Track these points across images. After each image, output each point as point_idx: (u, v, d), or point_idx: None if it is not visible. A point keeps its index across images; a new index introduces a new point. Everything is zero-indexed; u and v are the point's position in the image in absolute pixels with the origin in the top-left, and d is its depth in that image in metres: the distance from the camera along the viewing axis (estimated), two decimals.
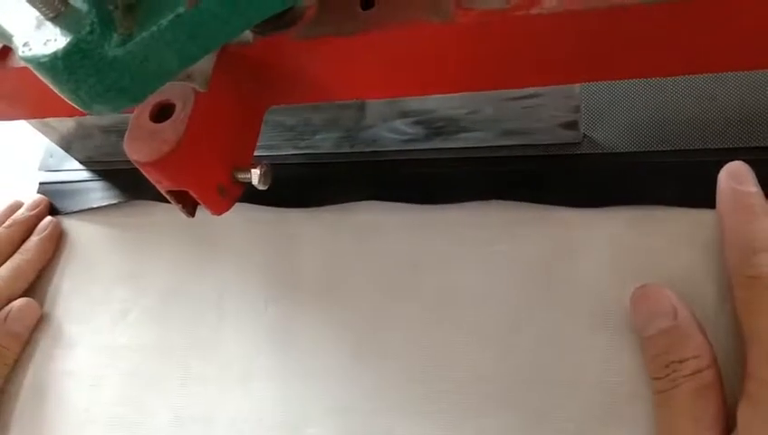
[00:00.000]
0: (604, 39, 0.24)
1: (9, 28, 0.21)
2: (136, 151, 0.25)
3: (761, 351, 0.25)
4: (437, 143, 0.36)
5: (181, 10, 0.20)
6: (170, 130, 0.25)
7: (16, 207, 0.44)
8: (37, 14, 0.20)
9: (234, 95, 0.27)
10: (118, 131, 0.40)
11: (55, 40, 0.19)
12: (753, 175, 0.29)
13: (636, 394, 0.29)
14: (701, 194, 0.30)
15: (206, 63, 0.25)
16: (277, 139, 0.38)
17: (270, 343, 0.35)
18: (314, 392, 0.34)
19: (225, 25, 0.21)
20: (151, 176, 0.25)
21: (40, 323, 0.40)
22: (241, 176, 0.27)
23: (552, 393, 0.30)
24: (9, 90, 0.31)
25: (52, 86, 0.20)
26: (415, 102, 0.34)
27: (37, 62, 0.20)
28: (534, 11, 0.23)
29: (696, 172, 0.32)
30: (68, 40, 0.19)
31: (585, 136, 0.34)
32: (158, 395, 0.36)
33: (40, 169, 0.46)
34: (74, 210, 0.43)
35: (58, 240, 0.43)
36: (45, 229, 0.42)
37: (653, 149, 0.33)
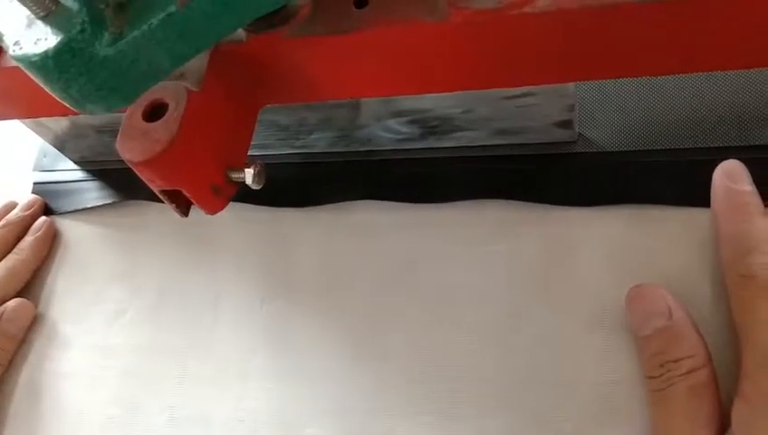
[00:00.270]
0: (598, 38, 0.24)
1: (0, 27, 0.21)
2: (129, 151, 0.25)
3: (755, 350, 0.25)
4: (432, 142, 0.36)
5: (172, 9, 0.20)
6: (163, 129, 0.24)
7: (10, 207, 0.43)
8: (28, 13, 0.20)
9: (227, 94, 0.27)
10: (111, 131, 0.40)
11: (46, 39, 0.19)
12: (748, 174, 0.29)
13: (632, 393, 0.29)
14: (696, 193, 0.30)
15: (198, 62, 0.25)
16: (271, 138, 0.38)
17: (266, 343, 0.35)
18: (312, 393, 0.33)
19: (217, 24, 0.21)
20: (144, 175, 0.25)
21: (34, 323, 0.40)
22: (235, 175, 0.27)
23: (550, 393, 0.30)
24: (1, 89, 0.31)
25: (43, 85, 0.20)
26: (409, 101, 0.33)
27: (28, 61, 0.20)
28: (528, 10, 0.23)
29: (691, 171, 0.31)
30: (59, 39, 0.19)
31: (580, 135, 0.34)
32: (154, 395, 0.36)
33: (34, 170, 0.46)
34: (68, 210, 0.43)
35: (52, 240, 0.43)
36: (40, 229, 0.42)
37: (648, 147, 0.33)
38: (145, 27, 0.20)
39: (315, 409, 0.33)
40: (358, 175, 0.37)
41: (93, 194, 0.43)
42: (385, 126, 0.36)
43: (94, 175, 0.44)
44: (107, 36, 0.20)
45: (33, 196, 0.44)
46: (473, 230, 0.34)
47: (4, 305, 0.39)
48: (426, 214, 0.35)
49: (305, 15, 0.26)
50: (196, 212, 0.28)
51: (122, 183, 0.42)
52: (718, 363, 0.27)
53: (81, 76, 0.19)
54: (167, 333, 0.37)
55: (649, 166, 0.33)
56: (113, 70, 0.20)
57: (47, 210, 0.44)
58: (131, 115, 0.25)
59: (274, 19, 0.25)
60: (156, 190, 0.26)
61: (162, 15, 0.20)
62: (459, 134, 0.35)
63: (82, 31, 0.19)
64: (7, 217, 0.43)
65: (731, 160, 0.29)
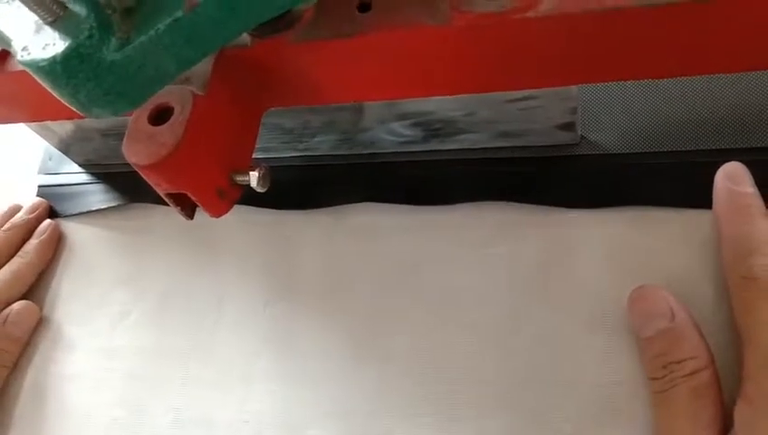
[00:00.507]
0: (600, 41, 0.24)
1: (8, 32, 0.21)
2: (134, 154, 0.25)
3: (757, 352, 0.25)
4: (435, 145, 0.36)
5: (179, 14, 0.20)
6: (169, 133, 0.25)
7: (15, 210, 0.44)
8: (36, 18, 0.20)
9: (232, 98, 0.27)
10: (116, 134, 0.40)
11: (54, 44, 0.20)
12: (750, 176, 0.29)
13: (634, 395, 0.29)
14: (698, 195, 0.31)
15: (204, 66, 0.25)
16: (275, 141, 0.38)
17: (269, 346, 0.35)
18: (315, 395, 0.34)
19: (223, 29, 0.21)
20: (150, 179, 0.26)
21: (39, 325, 0.40)
22: (239, 178, 0.27)
23: (550, 394, 0.30)
24: (8, 93, 0.32)
25: (50, 90, 0.21)
26: (412, 104, 0.34)
27: (36, 66, 0.20)
28: (530, 14, 0.23)
29: (693, 173, 0.32)
30: (67, 44, 0.19)
31: (582, 137, 0.34)
32: (158, 397, 0.36)
33: (39, 172, 0.46)
34: (73, 213, 0.43)
35: (57, 243, 0.43)
36: (44, 232, 0.42)
37: (650, 150, 0.33)
38: (152, 32, 0.20)
39: (318, 410, 0.33)
40: (361, 177, 0.38)
41: (98, 197, 0.43)
42: (388, 129, 0.36)
43: (99, 178, 0.44)
44: (114, 41, 0.20)
45: (38, 199, 0.44)
46: (474, 232, 0.35)
47: (9, 308, 0.39)
48: (428, 216, 0.36)
49: (309, 20, 0.26)
50: (200, 215, 0.28)
51: (127, 186, 0.42)
52: (720, 365, 0.27)
53: (88, 81, 0.20)
54: (171, 335, 0.38)
55: (651, 168, 0.33)
56: (120, 75, 0.20)
57: (52, 213, 0.44)
58: (137, 119, 0.25)
59: (279, 24, 0.26)
60: (161, 193, 0.27)
61: (169, 21, 0.20)
62: (462, 137, 0.35)
63: (90, 36, 0.19)
64: (12, 220, 0.43)
65: (733, 162, 0.30)
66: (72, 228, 0.43)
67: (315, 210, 0.38)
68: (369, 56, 0.26)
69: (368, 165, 0.38)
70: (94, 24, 0.19)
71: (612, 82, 0.32)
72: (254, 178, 0.27)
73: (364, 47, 0.25)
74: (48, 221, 0.43)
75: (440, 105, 0.33)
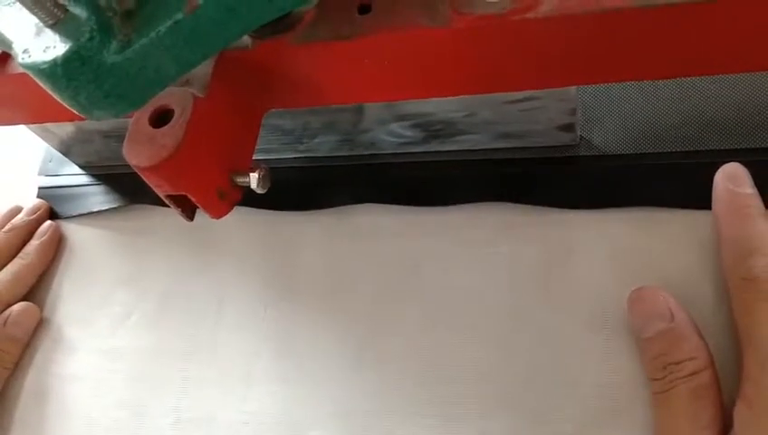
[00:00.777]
0: (600, 42, 0.24)
1: (9, 35, 0.21)
2: (135, 156, 0.25)
3: (756, 353, 0.25)
4: (435, 146, 0.36)
5: (179, 16, 0.20)
6: (169, 134, 0.25)
7: (16, 211, 0.44)
8: (37, 21, 0.20)
9: (232, 99, 0.27)
10: (117, 136, 0.40)
11: (54, 47, 0.20)
12: (750, 176, 0.29)
13: (634, 395, 0.29)
14: (697, 196, 0.31)
15: (204, 69, 0.25)
16: (276, 142, 0.38)
17: (270, 346, 0.36)
18: (315, 395, 0.34)
19: (224, 31, 0.21)
20: (150, 180, 0.26)
21: (40, 327, 0.40)
22: (240, 180, 0.27)
23: (551, 394, 0.30)
24: (9, 95, 0.32)
25: (51, 92, 0.21)
26: (412, 105, 0.34)
27: (37, 68, 0.20)
28: (530, 15, 0.23)
29: (693, 174, 0.32)
30: (67, 47, 0.19)
31: (582, 138, 0.34)
32: (159, 398, 0.36)
33: (39, 174, 0.46)
34: (74, 214, 0.43)
35: (58, 244, 0.43)
36: (45, 234, 0.42)
37: (649, 150, 0.33)
38: (153, 34, 0.20)
39: (318, 411, 0.33)
40: (361, 178, 0.38)
41: (98, 198, 0.43)
42: (388, 130, 0.36)
43: (99, 179, 0.44)
44: (115, 44, 0.20)
45: (39, 200, 0.44)
46: (475, 233, 0.35)
47: (10, 309, 0.39)
48: (428, 217, 0.36)
49: (309, 21, 0.26)
50: (200, 216, 0.28)
51: (127, 187, 0.42)
52: (720, 365, 0.27)
53: (89, 83, 0.20)
54: (171, 336, 0.38)
55: (651, 169, 0.33)
56: (121, 77, 0.20)
57: (52, 214, 0.44)
58: (138, 121, 0.26)
59: (279, 25, 0.26)
60: (162, 195, 0.27)
61: (170, 23, 0.20)
62: (462, 138, 0.35)
63: (91, 39, 0.19)
64: (13, 221, 0.43)
65: (732, 163, 0.30)
66: (72, 230, 0.43)
67: (315, 211, 0.38)
68: (369, 58, 0.26)
69: (368, 166, 0.38)
70: (95, 27, 0.19)
71: (612, 83, 0.32)
72: (254, 179, 0.27)
73: (364, 49, 0.25)
74: (49, 222, 0.43)
75: (440, 106, 0.33)
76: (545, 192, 0.34)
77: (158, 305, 0.39)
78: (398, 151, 0.37)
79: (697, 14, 0.22)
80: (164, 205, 0.28)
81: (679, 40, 0.23)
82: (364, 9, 0.25)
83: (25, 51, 0.20)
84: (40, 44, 0.20)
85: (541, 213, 0.34)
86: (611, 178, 0.33)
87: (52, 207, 0.44)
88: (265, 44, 0.26)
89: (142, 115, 0.25)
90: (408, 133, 0.36)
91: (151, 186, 0.26)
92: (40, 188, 0.45)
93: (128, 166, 0.25)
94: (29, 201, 0.44)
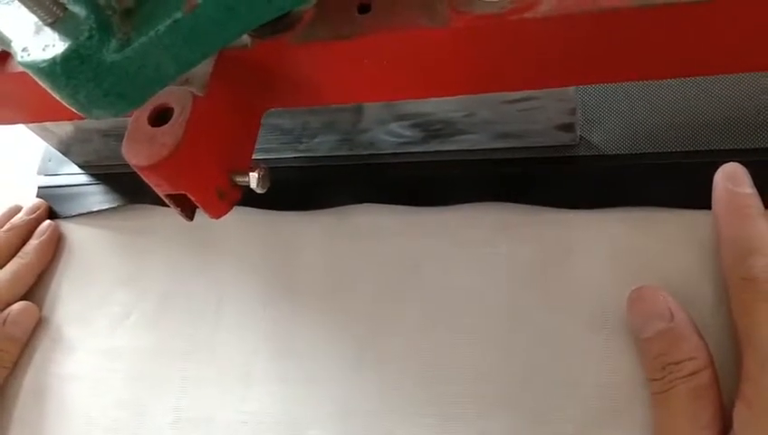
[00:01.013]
0: (599, 42, 0.24)
1: (8, 33, 0.21)
2: (134, 155, 0.25)
3: (756, 353, 0.25)
4: (434, 146, 0.36)
5: (179, 15, 0.20)
6: (169, 134, 0.25)
7: (15, 211, 0.44)
8: (36, 19, 0.20)
9: (231, 99, 0.27)
10: (116, 135, 0.40)
11: (54, 45, 0.20)
12: (749, 176, 0.29)
13: (633, 395, 0.29)
14: (697, 195, 0.31)
15: (203, 68, 0.25)
16: (275, 142, 0.38)
17: (269, 346, 0.36)
18: (314, 395, 0.34)
19: (223, 30, 0.21)
20: (150, 180, 0.26)
21: (39, 326, 0.40)
22: (239, 179, 0.27)
23: (551, 394, 0.30)
24: (8, 94, 0.32)
25: (50, 91, 0.21)
26: (412, 105, 0.34)
27: (36, 67, 0.20)
28: (529, 15, 0.23)
29: (692, 174, 0.32)
30: (66, 45, 0.19)
31: (581, 138, 0.34)
32: (158, 398, 0.36)
33: (38, 173, 0.46)
34: (73, 214, 0.43)
35: (57, 244, 0.43)
36: (44, 233, 0.42)
37: (649, 150, 0.33)
38: (152, 33, 0.20)
39: (317, 411, 0.33)
40: (360, 178, 0.38)
41: (98, 198, 0.43)
42: (387, 130, 0.36)
43: (99, 179, 0.44)
44: (114, 42, 0.20)
45: (38, 199, 0.44)
46: (474, 233, 0.35)
47: (9, 309, 0.39)
48: (427, 217, 0.36)
49: (309, 21, 0.26)
50: (200, 216, 0.28)
51: (127, 187, 0.42)
52: (719, 365, 0.27)
53: (88, 82, 0.20)
54: (171, 336, 0.38)
55: (650, 169, 0.33)
56: (120, 76, 0.20)
57: (52, 214, 0.44)
58: (137, 120, 0.26)
59: (279, 25, 0.26)
60: (161, 194, 0.27)
61: (169, 22, 0.20)
62: (461, 137, 0.35)
63: (90, 37, 0.19)
64: (12, 220, 0.43)
65: (732, 163, 0.30)
66: (71, 229, 0.43)
67: (315, 211, 0.38)
68: (368, 57, 0.26)
69: (367, 166, 0.38)
70: (94, 26, 0.19)
71: (611, 83, 0.32)
72: (253, 178, 0.27)
73: (364, 48, 0.25)
74: (48, 222, 0.43)
75: (440, 106, 0.33)
76: (545, 192, 0.34)
77: (157, 305, 0.39)
78: (398, 151, 0.37)
79: (695, 14, 0.22)
80: (163, 204, 0.28)
81: (678, 40, 0.23)
82: (363, 9, 0.25)
83: (24, 49, 0.20)
84: (39, 43, 0.20)
85: (540, 213, 0.34)
86: (611, 178, 0.33)
87: (52, 206, 0.44)
88: (265, 44, 0.26)
89: (141, 114, 0.25)
90: (408, 133, 0.36)
91: (151, 185, 0.26)
92: (39, 187, 0.45)
93: (127, 165, 0.25)
94: (28, 200, 0.44)
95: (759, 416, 0.24)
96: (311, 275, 0.37)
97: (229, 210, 0.28)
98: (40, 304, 0.41)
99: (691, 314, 0.28)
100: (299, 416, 0.33)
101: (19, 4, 0.20)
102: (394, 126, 0.35)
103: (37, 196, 0.45)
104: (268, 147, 0.39)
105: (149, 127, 0.25)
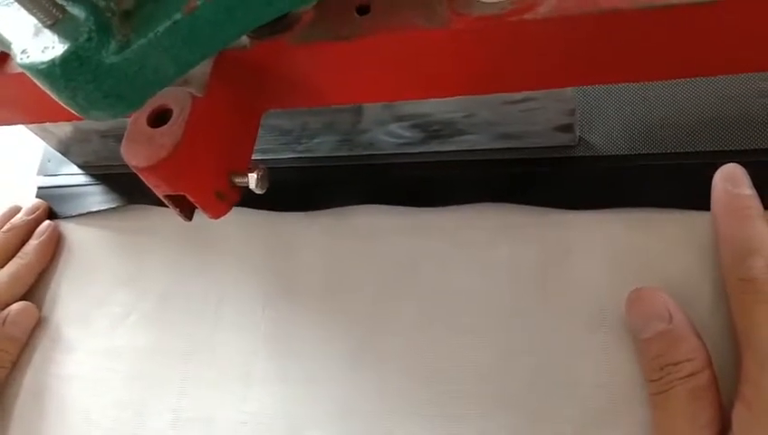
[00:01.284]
0: (598, 43, 0.24)
1: (7, 35, 0.21)
2: (134, 156, 0.25)
3: (755, 354, 0.25)
4: (434, 146, 0.36)
5: (178, 17, 0.20)
6: (168, 134, 0.25)
7: (15, 211, 0.44)
8: (35, 21, 0.20)
9: (231, 99, 0.27)
10: (115, 136, 0.40)
11: (53, 47, 0.20)
12: (748, 177, 0.29)
13: (632, 396, 0.29)
14: (696, 196, 0.31)
15: (202, 68, 0.25)
16: (274, 142, 0.38)
17: (268, 346, 0.36)
18: (314, 395, 0.34)
19: (222, 31, 0.21)
20: (149, 180, 0.26)
21: (38, 326, 0.40)
22: (238, 180, 0.27)
23: (550, 395, 0.30)
24: (7, 95, 0.32)
25: (49, 93, 0.21)
26: (411, 106, 0.34)
27: (35, 69, 0.20)
28: (528, 16, 0.23)
29: (692, 174, 0.32)
30: (66, 47, 0.19)
31: (580, 139, 0.34)
32: (158, 398, 0.36)
33: (38, 174, 0.46)
34: (72, 214, 0.43)
35: (56, 244, 0.43)
36: (44, 233, 0.42)
37: (648, 151, 0.33)
38: (151, 35, 0.20)
39: (317, 411, 0.33)
40: (360, 179, 0.38)
41: (97, 198, 0.43)
42: (387, 130, 0.36)
43: (98, 179, 0.44)
44: (113, 44, 0.20)
45: (38, 200, 0.44)
46: (474, 233, 0.35)
47: (8, 309, 0.39)
48: (427, 218, 0.36)
49: (308, 22, 0.26)
50: (199, 216, 0.28)
51: (126, 187, 0.42)
52: (718, 366, 0.27)
53: (87, 84, 0.20)
54: (170, 336, 0.38)
55: (649, 170, 0.33)
56: (120, 77, 0.20)
57: (51, 214, 0.44)
58: (136, 121, 0.26)
59: (278, 26, 0.26)
60: (160, 195, 0.27)
61: (168, 23, 0.20)
62: (461, 138, 0.35)
63: (89, 39, 0.19)
64: (11, 221, 0.43)
65: (731, 164, 0.30)
66: (71, 229, 0.43)
67: (315, 212, 0.38)
68: (367, 58, 0.26)
69: (367, 166, 0.38)
70: (93, 27, 0.19)
71: (611, 84, 0.32)
72: (252, 179, 0.27)
73: (363, 49, 0.25)
74: (47, 222, 0.43)
75: (439, 107, 0.33)
76: (544, 192, 0.34)
77: (156, 305, 0.39)
78: (397, 152, 0.37)
79: (695, 16, 0.22)
80: (163, 205, 0.28)
81: (678, 41, 0.23)
82: (363, 10, 0.25)
83: (24, 51, 0.20)
84: (38, 45, 0.20)
85: (540, 213, 0.34)
86: (610, 179, 0.33)
87: (51, 206, 0.44)
88: (264, 45, 0.26)
89: (141, 115, 0.25)
90: (407, 134, 0.36)
91: (150, 186, 0.26)
92: (39, 187, 0.45)
93: (126, 166, 0.25)
94: (28, 201, 0.44)
95: (759, 417, 0.24)
96: (310, 275, 0.37)
97: (228, 211, 0.28)
98: (39, 305, 0.41)
99: (690, 315, 0.28)
100: (299, 416, 0.33)
101: (18, 5, 0.19)
102: (394, 127, 0.35)
103: (37, 196, 0.45)
104: (267, 147, 0.39)
105: (148, 128, 0.25)
